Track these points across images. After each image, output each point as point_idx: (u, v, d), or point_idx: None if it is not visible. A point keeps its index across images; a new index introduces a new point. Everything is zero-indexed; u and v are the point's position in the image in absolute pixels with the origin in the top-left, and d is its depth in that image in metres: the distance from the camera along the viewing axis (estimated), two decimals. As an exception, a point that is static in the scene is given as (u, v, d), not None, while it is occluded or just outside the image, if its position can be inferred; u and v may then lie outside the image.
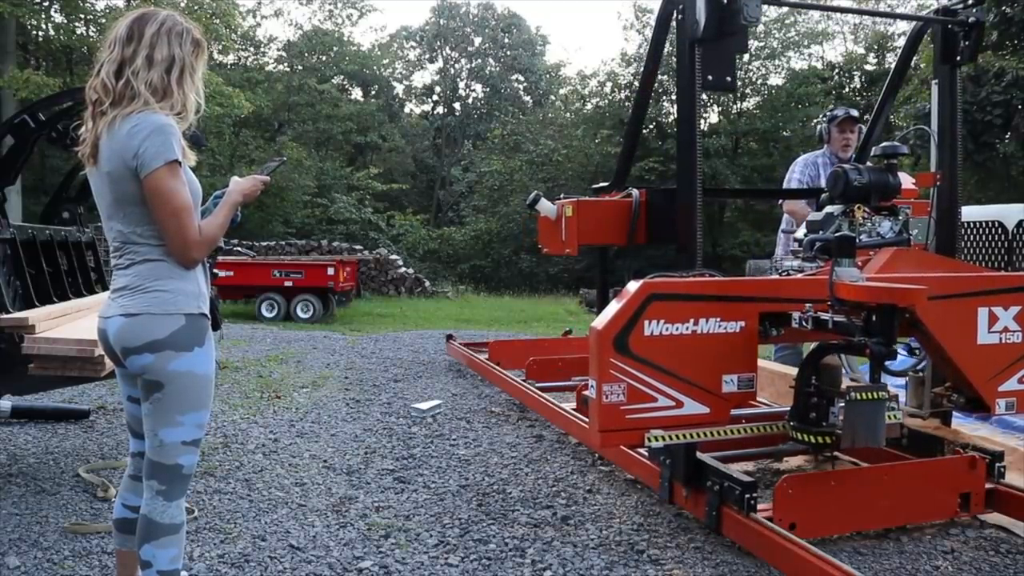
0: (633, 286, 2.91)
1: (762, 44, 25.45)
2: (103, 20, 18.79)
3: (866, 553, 3.04)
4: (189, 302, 2.15)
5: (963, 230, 4.60)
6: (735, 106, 26.32)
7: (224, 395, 6.03)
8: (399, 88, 35.83)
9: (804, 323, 2.99)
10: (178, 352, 2.11)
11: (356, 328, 11.49)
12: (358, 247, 19.08)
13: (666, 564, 2.96)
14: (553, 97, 34.83)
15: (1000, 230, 4.87)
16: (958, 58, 3.79)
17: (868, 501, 3.11)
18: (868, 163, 3.97)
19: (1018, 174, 16.82)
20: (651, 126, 24.89)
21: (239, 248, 15.70)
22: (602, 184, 4.37)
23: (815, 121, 4.87)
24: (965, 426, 4.81)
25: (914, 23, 4.36)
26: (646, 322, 2.85)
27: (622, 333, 2.84)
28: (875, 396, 2.79)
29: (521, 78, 35.75)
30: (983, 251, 4.83)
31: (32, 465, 4.11)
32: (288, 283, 12.25)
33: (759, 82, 25.96)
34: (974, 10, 3.71)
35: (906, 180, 4.14)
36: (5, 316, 3.34)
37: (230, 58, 26.37)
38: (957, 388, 3.45)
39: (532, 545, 3.13)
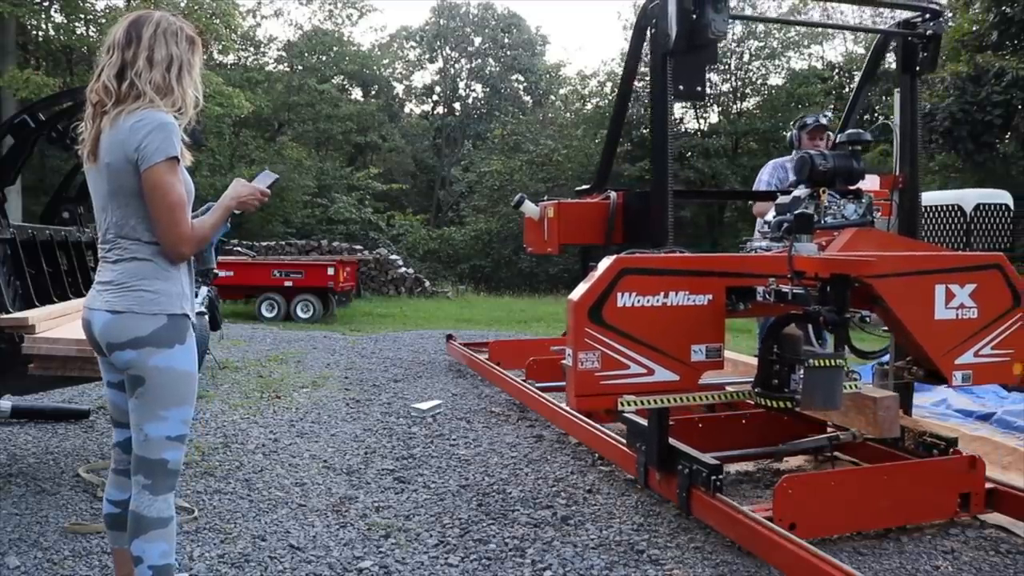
0: (606, 261, 3.10)
1: (762, 44, 25.43)
2: (103, 20, 18.76)
3: (866, 553, 3.04)
4: (172, 303, 2.20)
5: (926, 214, 4.87)
6: (735, 106, 26.31)
7: (224, 395, 6.03)
8: (399, 88, 35.83)
9: (767, 296, 3.23)
10: (159, 348, 2.17)
11: (356, 328, 11.49)
12: (358, 247, 19.06)
13: (666, 564, 2.96)
14: (553, 97, 34.80)
15: (959, 213, 5.14)
16: (917, 68, 4.05)
17: (868, 501, 3.11)
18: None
19: (1018, 174, 16.81)
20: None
21: (239, 248, 15.69)
22: (584, 187, 4.53)
23: (788, 133, 5.02)
24: (966, 426, 4.82)
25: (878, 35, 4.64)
26: (619, 294, 3.04)
27: (596, 304, 3.01)
28: (832, 363, 2.97)
29: (521, 78, 35.73)
30: (944, 233, 5.09)
31: (32, 465, 4.11)
32: (288, 283, 12.24)
33: (759, 82, 25.93)
34: (931, 23, 3.94)
35: (874, 182, 4.35)
36: (5, 316, 3.34)
37: (230, 58, 26.31)
38: (917, 361, 3.60)
39: (532, 545, 3.13)
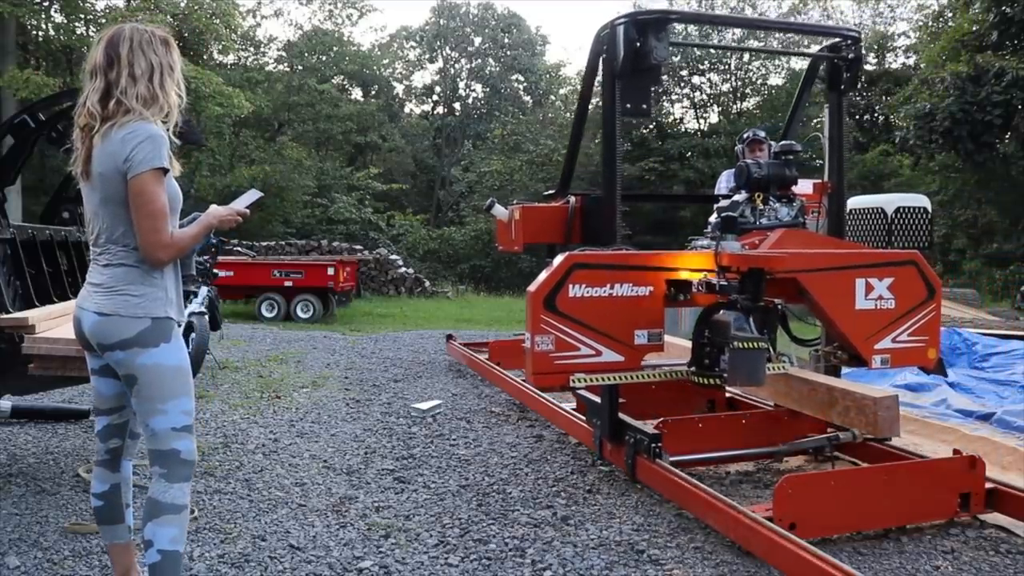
0: (560, 257, 3.55)
1: (762, 44, 25.42)
2: (103, 20, 18.74)
3: (866, 553, 3.04)
4: (156, 307, 2.30)
5: (855, 216, 5.51)
6: (735, 106, 26.30)
7: (224, 395, 6.03)
8: (399, 88, 35.79)
9: (700, 287, 3.68)
10: (145, 348, 2.27)
11: (356, 328, 11.49)
12: (358, 247, 19.06)
13: (666, 564, 2.96)
14: (553, 97, 34.77)
15: (882, 215, 5.65)
16: (842, 87, 4.51)
17: (868, 501, 3.11)
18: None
19: (1018, 174, 16.80)
20: (652, 126, 24.86)
21: (239, 248, 15.68)
22: (550, 191, 4.95)
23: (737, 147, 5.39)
24: (966, 426, 4.82)
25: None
26: (570, 286, 3.49)
27: (551, 294, 3.46)
28: (755, 346, 3.37)
29: (521, 78, 35.70)
30: (869, 233, 5.61)
31: (32, 465, 4.11)
32: (288, 283, 12.24)
33: (759, 82, 25.94)
34: (852, 48, 4.42)
35: (807, 186, 4.85)
36: (5, 316, 3.34)
37: (230, 58, 26.30)
38: (841, 347, 4.01)
39: (532, 545, 3.13)
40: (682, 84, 25.59)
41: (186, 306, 5.70)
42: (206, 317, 6.40)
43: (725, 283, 3.50)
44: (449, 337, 7.97)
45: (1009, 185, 17.44)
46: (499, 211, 4.93)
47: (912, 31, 25.53)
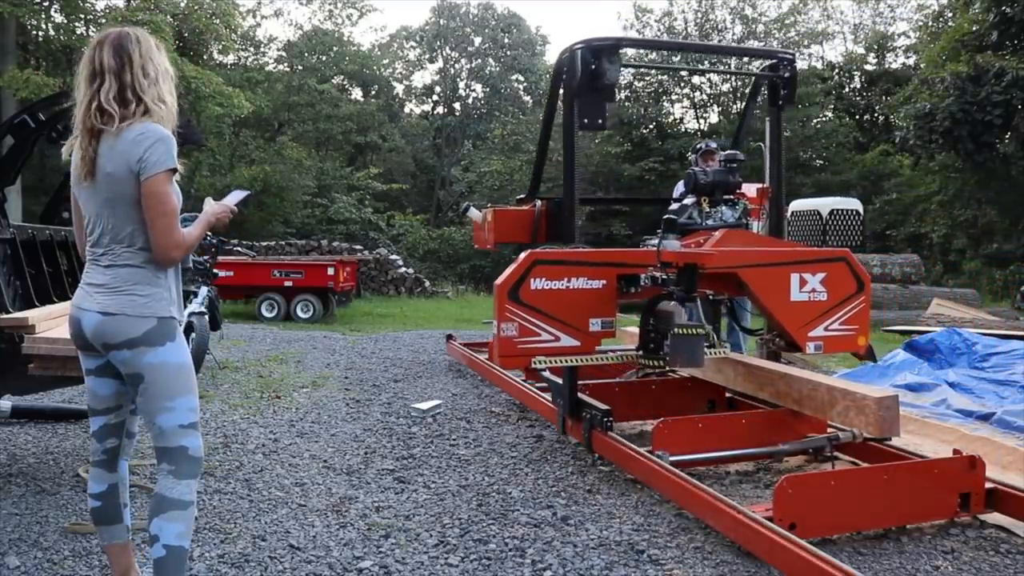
0: (523, 255, 4.04)
1: (762, 44, 25.43)
2: (103, 20, 18.75)
3: (866, 553, 3.03)
4: (161, 306, 2.33)
5: (795, 218, 6.11)
6: (735, 106, 26.30)
7: (224, 395, 6.03)
8: (399, 88, 35.80)
9: (646, 281, 4.11)
10: (151, 347, 2.29)
11: (356, 328, 11.49)
12: (358, 247, 19.05)
13: (666, 564, 2.96)
14: (553, 97, 34.74)
15: (818, 217, 6.23)
16: (780, 103, 4.96)
17: (868, 501, 3.11)
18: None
19: (1018, 174, 16.80)
20: (651, 126, 24.86)
21: (239, 248, 15.68)
22: (521, 196, 5.43)
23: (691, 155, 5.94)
24: (966, 426, 4.82)
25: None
26: (532, 279, 3.98)
27: (515, 286, 3.94)
28: (694, 332, 3.78)
29: (521, 78, 35.70)
30: (807, 233, 6.17)
31: (32, 465, 4.11)
32: (288, 283, 12.24)
33: (759, 82, 25.92)
34: (788, 68, 4.91)
35: (752, 189, 5.44)
36: (5, 316, 3.34)
37: (230, 58, 26.31)
38: (780, 335, 4.50)
39: (532, 545, 3.13)
40: (682, 84, 25.60)
41: (185, 306, 5.70)
42: (206, 317, 6.40)
43: (666, 277, 3.97)
44: (449, 337, 7.97)
45: (1009, 185, 17.43)
46: (474, 214, 5.48)
47: (912, 31, 25.57)
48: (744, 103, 5.61)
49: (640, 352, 4.11)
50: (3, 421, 4.92)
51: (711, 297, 4.48)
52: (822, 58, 28.13)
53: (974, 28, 17.08)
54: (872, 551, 3.05)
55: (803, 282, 4.28)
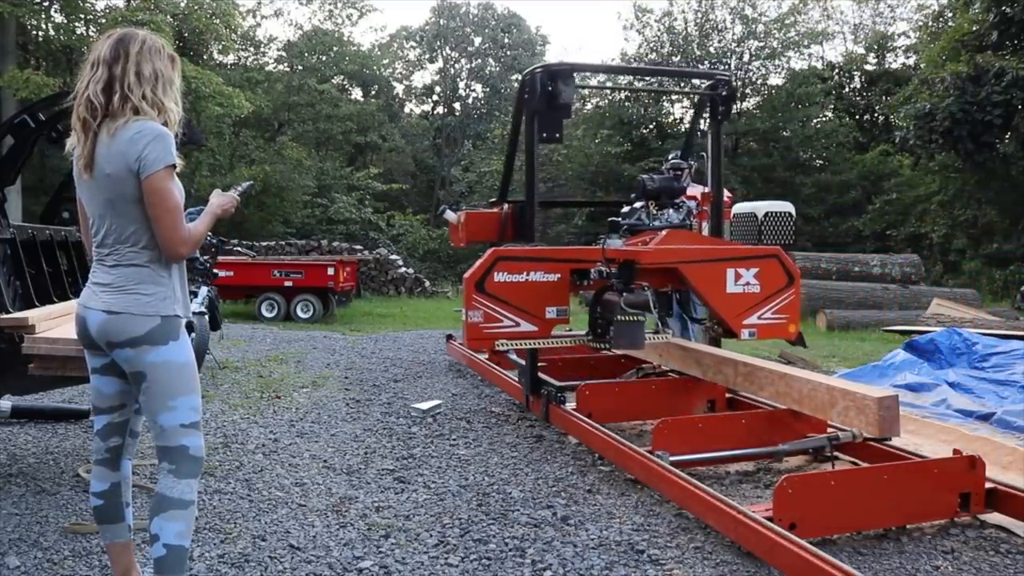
0: (488, 252, 4.66)
1: (762, 44, 25.44)
2: (103, 20, 18.73)
3: (866, 553, 3.03)
4: (165, 305, 2.34)
5: (736, 220, 6.63)
6: (735, 106, 26.28)
7: (224, 395, 6.03)
8: (399, 88, 35.77)
9: (596, 275, 4.63)
10: (154, 346, 2.30)
11: (356, 328, 11.49)
12: (358, 247, 19.06)
13: (666, 564, 2.96)
14: (553, 97, 34.70)
15: (753, 218, 6.65)
16: (719, 117, 5.54)
17: (868, 501, 3.11)
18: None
19: (1018, 174, 16.80)
20: (651, 126, 24.86)
21: (239, 248, 15.68)
22: (492, 199, 6.08)
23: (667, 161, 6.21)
24: (966, 426, 4.82)
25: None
26: (495, 273, 4.57)
27: (481, 279, 4.55)
28: (635, 319, 4.41)
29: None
30: (746, 233, 6.67)
31: (32, 465, 4.11)
32: (288, 283, 12.24)
33: (759, 82, 25.91)
34: (725, 87, 5.54)
35: (697, 190, 6.00)
36: (5, 316, 3.34)
37: (230, 58, 26.29)
38: (718, 322, 5.03)
39: (532, 545, 3.13)
40: (682, 84, 25.61)
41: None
42: (206, 317, 6.38)
43: (610, 271, 4.52)
44: (449, 337, 7.97)
45: (1009, 185, 17.42)
46: (450, 216, 6.13)
47: (912, 31, 25.55)
48: (692, 118, 6.49)
49: (589, 336, 4.79)
50: (3, 421, 4.92)
51: (659, 291, 4.96)
52: (822, 58, 28.13)
53: (974, 28, 17.08)
54: (872, 551, 3.05)
55: (738, 276, 4.77)
